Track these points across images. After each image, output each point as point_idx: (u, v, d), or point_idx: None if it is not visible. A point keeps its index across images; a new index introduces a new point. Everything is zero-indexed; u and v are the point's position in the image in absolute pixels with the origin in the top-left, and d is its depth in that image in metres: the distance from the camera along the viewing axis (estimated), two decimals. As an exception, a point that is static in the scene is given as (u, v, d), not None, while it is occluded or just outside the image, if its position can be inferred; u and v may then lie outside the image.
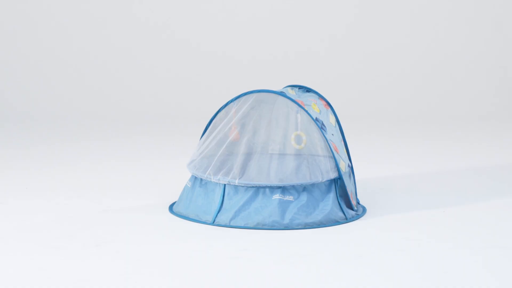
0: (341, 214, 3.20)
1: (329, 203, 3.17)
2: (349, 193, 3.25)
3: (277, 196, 3.12)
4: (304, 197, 3.14)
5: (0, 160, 4.39)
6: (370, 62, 6.01)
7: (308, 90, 3.42)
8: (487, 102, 5.84)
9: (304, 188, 3.15)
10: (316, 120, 3.23)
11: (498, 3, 6.03)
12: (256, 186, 3.14)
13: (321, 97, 3.41)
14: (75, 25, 6.03)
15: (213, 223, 3.16)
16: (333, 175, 3.20)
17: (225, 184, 3.17)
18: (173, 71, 5.99)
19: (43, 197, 3.59)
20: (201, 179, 3.26)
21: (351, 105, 5.69)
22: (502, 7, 6.03)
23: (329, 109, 3.39)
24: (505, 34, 6.03)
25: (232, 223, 3.14)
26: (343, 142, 3.39)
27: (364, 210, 3.36)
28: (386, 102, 5.84)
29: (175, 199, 3.48)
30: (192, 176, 3.31)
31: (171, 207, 3.39)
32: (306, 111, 3.23)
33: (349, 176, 3.30)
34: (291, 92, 3.34)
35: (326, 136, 3.23)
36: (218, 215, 3.16)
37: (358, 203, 3.41)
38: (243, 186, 3.15)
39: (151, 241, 2.99)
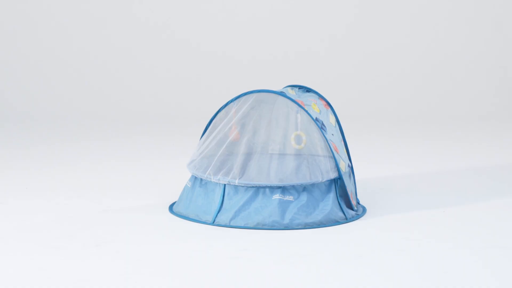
0: (341, 214, 3.20)
1: (329, 203, 3.17)
2: (349, 193, 3.25)
3: (277, 196, 3.12)
4: (304, 197, 3.14)
5: (0, 160, 4.39)
6: (370, 62, 6.01)
7: (308, 90, 3.42)
8: (487, 102, 5.84)
9: (304, 188, 3.15)
10: (316, 120, 3.23)
11: (498, 3, 6.03)
12: (256, 186, 3.14)
13: (321, 97, 3.40)
14: (75, 25, 6.03)
15: (213, 223, 3.16)
16: (333, 175, 3.19)
17: (225, 184, 3.17)
18: (173, 71, 5.98)
19: (43, 197, 3.59)
20: (201, 179, 3.25)
21: (351, 105, 5.69)
22: (502, 7, 6.03)
23: (329, 109, 3.39)
24: (505, 34, 6.03)
25: (232, 223, 3.14)
26: (343, 142, 3.39)
27: (364, 210, 3.36)
28: (386, 102, 5.84)
29: (175, 199, 3.48)
30: (192, 176, 3.31)
31: (171, 207, 3.39)
32: (306, 111, 3.23)
33: (349, 176, 3.30)
34: (291, 92, 3.34)
35: (326, 136, 3.22)
36: (218, 215, 3.16)
37: (358, 203, 3.40)
38: (243, 186, 3.15)
39: (151, 241, 2.99)
